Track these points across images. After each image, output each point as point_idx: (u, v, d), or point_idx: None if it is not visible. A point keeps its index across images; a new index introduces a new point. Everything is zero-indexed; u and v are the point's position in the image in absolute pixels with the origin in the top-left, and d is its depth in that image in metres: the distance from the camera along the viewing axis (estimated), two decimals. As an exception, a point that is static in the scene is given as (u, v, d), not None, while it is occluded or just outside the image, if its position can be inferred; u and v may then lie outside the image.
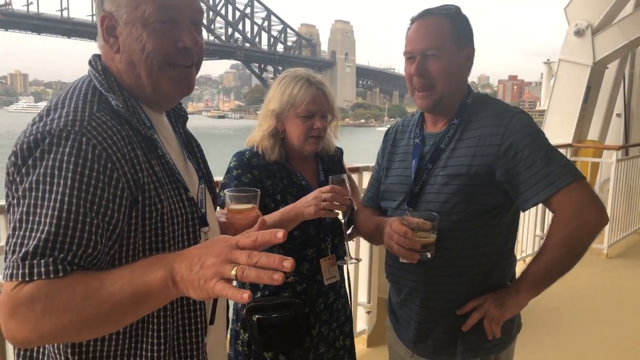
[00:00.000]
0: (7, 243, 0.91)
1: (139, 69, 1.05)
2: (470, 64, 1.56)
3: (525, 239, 5.42)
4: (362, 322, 3.43)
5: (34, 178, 0.90)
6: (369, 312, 3.42)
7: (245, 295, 0.80)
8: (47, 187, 0.90)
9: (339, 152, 1.99)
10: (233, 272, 0.81)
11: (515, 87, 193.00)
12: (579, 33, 5.59)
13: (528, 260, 5.20)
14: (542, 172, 1.39)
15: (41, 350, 1.02)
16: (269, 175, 1.77)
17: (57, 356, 1.00)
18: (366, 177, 3.44)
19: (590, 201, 1.40)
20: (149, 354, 1.03)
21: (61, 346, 0.99)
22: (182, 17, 1.06)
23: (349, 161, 2.28)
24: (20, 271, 0.86)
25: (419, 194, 1.54)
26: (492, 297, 1.48)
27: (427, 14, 1.52)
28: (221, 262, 0.82)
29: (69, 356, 0.99)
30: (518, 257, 5.21)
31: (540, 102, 8.77)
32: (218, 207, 1.41)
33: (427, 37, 1.48)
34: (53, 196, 0.89)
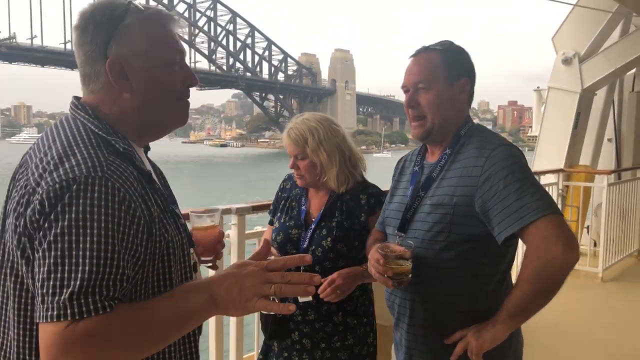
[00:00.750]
0: (42, 286, 0.94)
1: (155, 107, 1.16)
2: (465, 95, 1.61)
3: (519, 262, 5.46)
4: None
5: (66, 223, 0.95)
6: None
7: (292, 307, 0.99)
8: (81, 231, 0.95)
9: (376, 190, 2.04)
10: (272, 291, 0.99)
11: (515, 112, 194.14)
12: (566, 61, 5.72)
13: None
14: (514, 205, 1.40)
15: None
16: (288, 197, 2.15)
17: None
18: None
19: (556, 237, 1.38)
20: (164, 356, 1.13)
21: None
22: (184, 59, 1.20)
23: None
24: (69, 310, 0.92)
25: (409, 221, 1.60)
26: (474, 328, 1.50)
27: (422, 50, 1.62)
28: (260, 283, 0.99)
29: None
30: (514, 279, 5.26)
31: (532, 128, 8.80)
32: None
33: (418, 71, 1.58)
34: (89, 238, 0.95)
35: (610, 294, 5.32)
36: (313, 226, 2.02)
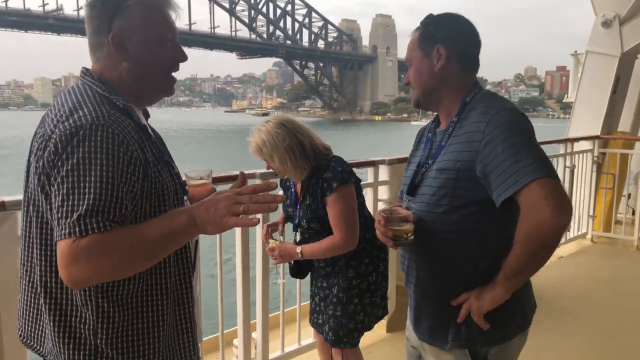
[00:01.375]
0: (57, 211, 1.17)
1: (147, 75, 1.37)
2: (442, 62, 1.62)
3: (578, 218, 5.44)
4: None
5: (75, 161, 1.17)
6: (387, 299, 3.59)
7: (256, 219, 1.21)
8: (87, 167, 1.17)
9: (333, 172, 2.24)
10: (241, 209, 1.18)
11: (564, 77, 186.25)
12: (606, 24, 5.51)
13: (579, 240, 5.28)
14: (510, 169, 1.43)
15: (71, 301, 1.29)
16: (287, 179, 2.45)
17: (88, 303, 1.28)
18: (382, 170, 3.61)
19: (547, 200, 1.39)
20: (157, 289, 1.34)
21: (91, 293, 1.27)
22: (175, 38, 1.41)
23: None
24: (77, 229, 1.14)
25: (417, 186, 1.66)
26: (477, 290, 1.55)
27: (414, 31, 1.73)
28: (231, 204, 1.19)
29: (99, 300, 1.28)
30: (571, 235, 5.29)
31: (567, 94, 8.43)
32: None
33: (407, 51, 1.72)
34: (93, 173, 1.17)
35: (644, 262, 5.26)
36: (297, 206, 2.35)
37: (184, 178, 1.57)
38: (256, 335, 3.06)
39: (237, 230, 2.83)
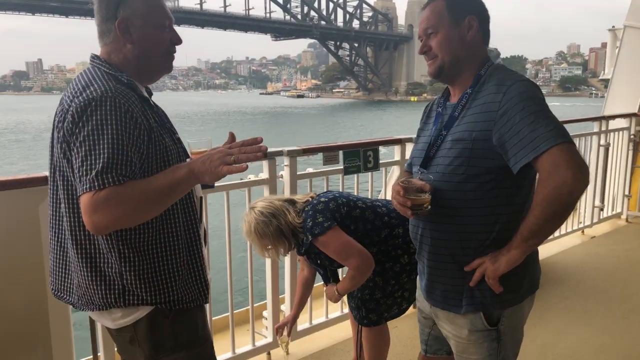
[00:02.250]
0: (79, 171, 1.39)
1: (150, 54, 1.59)
2: (474, 32, 1.67)
3: (584, 209, 5.36)
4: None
5: (90, 127, 1.39)
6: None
7: (244, 165, 1.39)
8: (101, 132, 1.39)
9: (304, 228, 2.33)
10: (232, 159, 1.39)
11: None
12: (645, -3, 5.34)
13: (587, 231, 5.20)
14: (529, 137, 1.48)
15: (98, 249, 1.53)
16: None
17: (111, 250, 1.51)
18: (409, 148, 3.65)
19: (567, 164, 1.44)
20: (171, 238, 1.57)
21: (113, 242, 1.50)
22: (172, 24, 1.64)
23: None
24: (96, 183, 1.36)
25: (432, 158, 1.71)
26: (491, 254, 1.61)
27: (429, 1, 1.73)
28: (223, 155, 1.39)
29: (120, 247, 1.50)
30: (576, 227, 5.22)
31: (604, 70, 8.17)
32: None
33: (426, 19, 1.70)
34: (106, 137, 1.39)
35: (682, 243, 5.14)
36: (320, 269, 2.55)
37: (187, 147, 1.75)
38: (285, 307, 3.18)
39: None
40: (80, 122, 1.41)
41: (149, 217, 1.48)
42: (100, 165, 1.36)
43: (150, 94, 1.73)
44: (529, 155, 1.48)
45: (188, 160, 1.65)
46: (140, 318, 1.58)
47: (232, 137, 1.58)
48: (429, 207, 1.64)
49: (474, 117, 1.61)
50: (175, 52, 1.66)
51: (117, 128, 1.40)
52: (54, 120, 1.52)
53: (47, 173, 2.10)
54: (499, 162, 1.56)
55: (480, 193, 1.61)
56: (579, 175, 1.45)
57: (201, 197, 1.76)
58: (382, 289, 2.43)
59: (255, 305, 3.14)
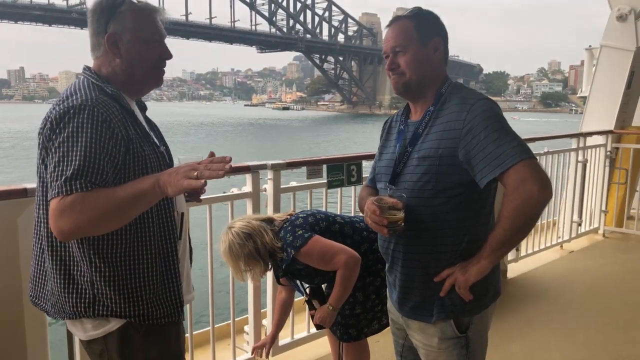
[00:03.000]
0: (50, 176, 1.42)
1: (136, 69, 1.62)
2: (440, 54, 1.76)
3: (562, 224, 5.44)
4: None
5: (66, 134, 1.43)
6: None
7: (201, 181, 1.40)
8: (75, 139, 1.42)
9: (286, 244, 2.34)
10: (195, 174, 1.40)
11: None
12: (621, 18, 5.46)
13: (565, 246, 5.28)
14: (494, 153, 1.56)
15: (71, 257, 1.54)
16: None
17: (83, 258, 1.52)
18: (365, 164, 3.64)
19: (532, 178, 1.53)
20: (144, 251, 1.57)
21: (85, 250, 1.51)
22: (163, 39, 1.67)
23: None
24: (63, 189, 1.38)
25: (399, 174, 1.76)
26: (460, 265, 1.68)
27: (394, 19, 1.79)
28: (188, 170, 1.42)
29: (91, 256, 1.51)
30: (555, 242, 5.30)
31: (581, 89, 8.44)
32: None
33: (394, 37, 1.75)
34: (79, 144, 1.42)
35: (658, 258, 5.24)
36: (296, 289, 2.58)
37: (176, 163, 1.72)
38: (266, 322, 3.16)
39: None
40: (57, 129, 1.45)
41: (114, 226, 1.49)
42: (71, 171, 1.39)
43: (144, 108, 1.77)
44: (496, 171, 1.56)
45: None
46: (111, 331, 1.58)
47: (211, 155, 1.59)
48: (403, 223, 1.68)
49: (438, 135, 1.68)
50: (164, 66, 1.69)
51: (92, 136, 1.43)
52: (39, 127, 1.55)
53: (26, 185, 2.11)
54: (465, 177, 1.64)
55: (448, 207, 1.68)
56: (543, 189, 1.54)
57: (182, 213, 1.74)
58: (363, 304, 2.45)
59: (236, 319, 3.13)
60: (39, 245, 1.62)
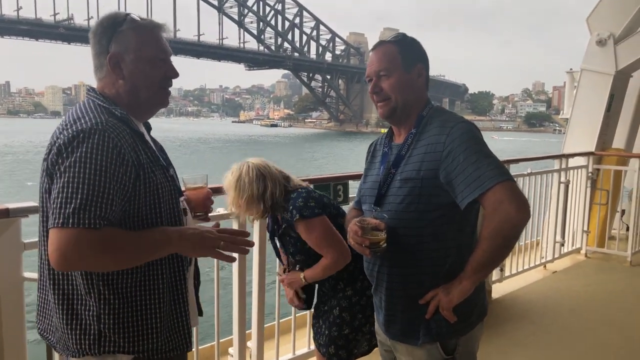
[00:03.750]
0: (53, 202, 1.33)
1: (140, 90, 1.55)
2: (422, 79, 1.81)
3: (546, 244, 5.50)
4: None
5: (73, 159, 1.34)
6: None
7: (234, 256, 1.49)
8: (83, 165, 1.33)
9: (293, 208, 2.30)
10: (222, 244, 1.46)
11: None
12: (600, 42, 5.61)
13: (548, 266, 5.33)
14: (473, 175, 1.59)
15: (75, 290, 1.45)
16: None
17: (91, 291, 1.44)
18: (352, 184, 3.67)
19: (510, 199, 1.56)
20: (154, 281, 1.50)
21: (94, 282, 1.43)
22: (168, 57, 1.60)
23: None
24: (70, 220, 1.29)
25: (384, 196, 1.78)
26: (444, 286, 1.69)
27: (379, 44, 1.83)
28: (216, 239, 1.46)
29: (101, 288, 1.43)
30: (538, 262, 5.34)
31: (563, 110, 8.66)
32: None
33: (378, 61, 1.78)
34: (87, 171, 1.33)
35: (636, 278, 5.30)
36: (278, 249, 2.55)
37: (181, 182, 1.73)
38: (251, 344, 3.13)
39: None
40: (65, 154, 1.36)
41: (115, 268, 1.43)
42: (78, 201, 1.31)
43: (149, 128, 1.70)
44: (475, 192, 1.59)
45: (182, 199, 1.65)
46: None
47: (217, 226, 1.61)
48: (385, 244, 1.70)
49: (420, 157, 1.71)
50: (170, 86, 1.63)
51: (102, 163, 1.35)
52: (45, 152, 1.47)
53: (8, 205, 2.09)
54: (446, 199, 1.66)
55: (431, 228, 1.70)
56: (521, 210, 1.57)
57: None
58: (350, 324, 2.44)
59: (221, 340, 3.10)
60: (42, 277, 1.53)
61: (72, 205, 1.29)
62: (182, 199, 1.65)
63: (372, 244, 1.68)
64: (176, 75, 1.61)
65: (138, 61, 1.53)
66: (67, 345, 1.47)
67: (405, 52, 1.78)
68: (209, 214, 1.93)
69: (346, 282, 2.42)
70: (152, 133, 1.69)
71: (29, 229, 2.13)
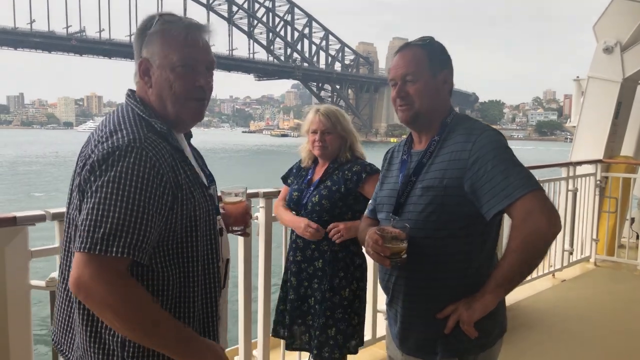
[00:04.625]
0: (82, 223, 1.22)
1: (166, 101, 1.40)
2: (448, 86, 1.73)
3: (554, 252, 5.46)
4: (381, 328, 3.66)
5: (106, 178, 1.22)
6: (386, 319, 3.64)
7: None
8: (117, 185, 1.22)
9: (362, 165, 2.62)
10: None
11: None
12: (607, 50, 5.61)
13: (557, 274, 5.28)
14: (501, 184, 1.51)
15: None
16: (299, 170, 2.86)
17: None
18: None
19: (541, 210, 1.48)
20: (185, 307, 1.38)
21: None
22: (198, 65, 1.42)
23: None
24: (99, 247, 1.18)
25: (403, 205, 1.70)
26: (464, 300, 1.60)
27: (405, 46, 1.74)
28: None
29: None
30: (547, 270, 5.30)
31: (570, 119, 8.65)
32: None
33: (405, 65, 1.70)
34: (121, 192, 1.21)
35: (648, 287, 5.25)
36: (311, 189, 2.68)
37: (219, 194, 1.65)
38: (257, 353, 3.12)
39: (240, 250, 2.96)
40: (98, 171, 1.24)
41: (120, 325, 1.27)
42: (109, 225, 1.20)
43: (190, 136, 1.57)
44: (503, 202, 1.51)
45: (219, 218, 1.53)
46: None
47: (247, 208, 1.67)
48: (406, 255, 1.62)
49: (443, 165, 1.63)
50: (202, 97, 1.44)
51: (138, 184, 1.23)
52: (77, 163, 1.35)
53: (16, 213, 2.10)
54: (470, 209, 1.58)
55: (453, 240, 1.62)
56: (552, 221, 1.49)
57: (227, 260, 1.57)
58: (358, 312, 2.63)
59: (226, 350, 3.10)
60: (64, 288, 1.41)
61: (102, 230, 1.19)
62: (218, 218, 1.52)
63: (393, 254, 1.60)
64: (206, 84, 1.43)
65: (163, 69, 1.38)
66: None
67: (432, 56, 1.71)
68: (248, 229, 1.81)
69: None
70: None
71: (36, 234, 2.16)
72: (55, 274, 2.19)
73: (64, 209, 2.14)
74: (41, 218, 2.13)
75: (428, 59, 1.69)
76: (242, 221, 1.75)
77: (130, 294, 1.23)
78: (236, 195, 1.74)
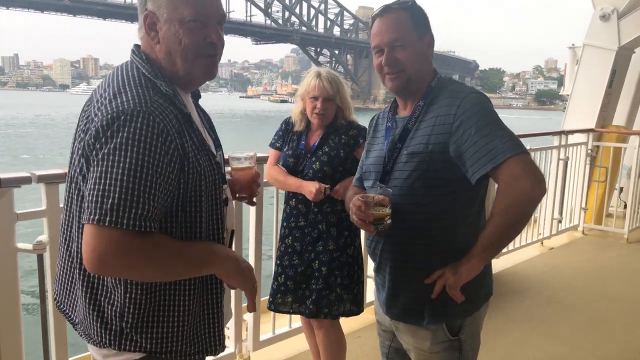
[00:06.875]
0: (89, 194, 1.16)
1: (175, 58, 1.32)
2: (431, 49, 1.70)
3: (543, 221, 5.52)
4: (371, 293, 3.72)
5: (112, 145, 1.15)
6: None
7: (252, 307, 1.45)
8: (125, 153, 1.15)
9: (358, 129, 2.63)
10: (254, 285, 1.40)
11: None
12: (604, 17, 5.53)
13: (545, 242, 5.36)
14: (485, 148, 1.49)
15: (102, 282, 1.31)
16: (289, 134, 2.73)
17: (118, 286, 1.29)
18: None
19: (525, 173, 1.47)
20: (186, 281, 1.35)
21: (121, 277, 1.27)
22: (210, 19, 1.34)
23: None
24: (108, 218, 1.12)
25: (390, 172, 1.68)
26: (451, 265, 1.59)
27: (386, 10, 1.66)
28: (250, 280, 1.41)
29: (128, 285, 1.28)
30: (535, 238, 5.37)
31: (564, 87, 8.61)
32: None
33: (391, 30, 1.64)
34: (128, 160, 1.15)
35: (634, 254, 5.33)
36: (308, 155, 2.63)
37: (227, 159, 1.60)
38: (247, 317, 3.16)
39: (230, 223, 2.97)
40: (103, 138, 1.18)
41: (153, 280, 1.29)
42: (117, 195, 1.14)
43: (198, 96, 1.51)
44: (487, 166, 1.50)
45: (225, 187, 1.48)
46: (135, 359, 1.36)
47: (256, 175, 1.66)
48: (390, 220, 1.62)
49: (428, 130, 1.62)
50: (213, 54, 1.36)
51: (145, 152, 1.17)
52: (79, 121, 1.30)
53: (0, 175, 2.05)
54: (456, 174, 1.58)
55: (439, 205, 1.62)
56: (536, 184, 1.48)
57: (232, 231, 1.52)
58: (356, 278, 2.68)
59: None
60: (66, 247, 1.38)
61: (110, 201, 1.13)
62: (225, 186, 1.47)
63: (377, 219, 1.60)
64: (217, 39, 1.35)
65: (171, 23, 1.29)
66: (89, 332, 1.35)
67: (416, 19, 1.66)
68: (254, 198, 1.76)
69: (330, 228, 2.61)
70: None
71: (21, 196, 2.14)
72: (42, 237, 2.20)
73: (50, 171, 2.16)
74: (27, 180, 2.11)
75: (412, 22, 1.65)
76: (248, 189, 1.68)
77: (148, 258, 1.20)
78: (245, 159, 1.66)
